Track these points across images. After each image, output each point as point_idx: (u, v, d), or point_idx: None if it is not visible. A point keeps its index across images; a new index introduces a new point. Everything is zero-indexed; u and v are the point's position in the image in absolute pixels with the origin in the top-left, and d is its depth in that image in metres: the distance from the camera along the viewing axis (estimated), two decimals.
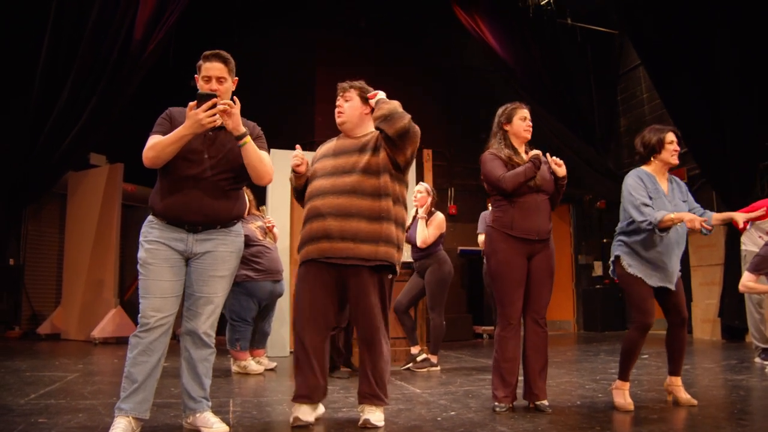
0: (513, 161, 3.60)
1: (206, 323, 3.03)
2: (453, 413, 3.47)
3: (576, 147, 9.37)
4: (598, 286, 10.95)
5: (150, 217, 3.04)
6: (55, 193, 9.10)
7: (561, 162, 3.68)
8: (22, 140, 7.78)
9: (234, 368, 5.37)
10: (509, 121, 3.71)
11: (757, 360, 5.70)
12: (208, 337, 3.03)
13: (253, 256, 5.30)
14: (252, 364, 5.33)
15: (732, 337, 8.05)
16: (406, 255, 6.11)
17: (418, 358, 5.54)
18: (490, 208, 3.87)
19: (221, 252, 3.06)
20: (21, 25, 7.79)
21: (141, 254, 2.97)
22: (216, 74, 3.01)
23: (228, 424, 3.06)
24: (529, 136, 3.71)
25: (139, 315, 2.92)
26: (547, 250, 3.62)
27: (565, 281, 10.78)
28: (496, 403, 3.49)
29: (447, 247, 5.96)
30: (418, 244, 5.57)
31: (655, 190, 3.64)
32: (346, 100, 3.35)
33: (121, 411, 2.84)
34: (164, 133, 2.95)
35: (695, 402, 3.60)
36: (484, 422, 3.21)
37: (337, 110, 3.37)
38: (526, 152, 3.70)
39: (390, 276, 3.24)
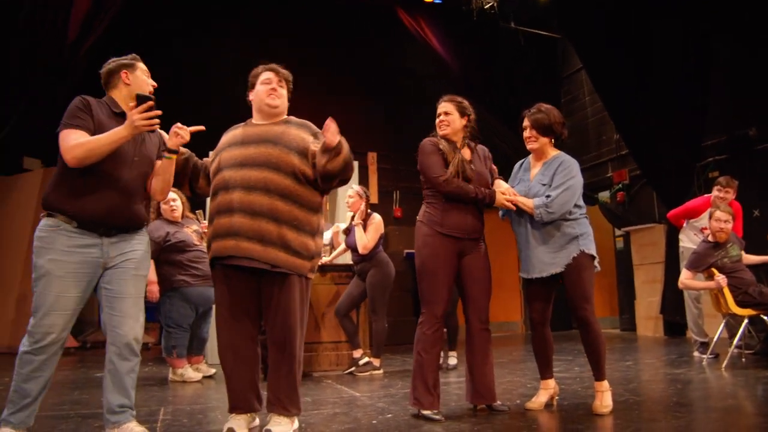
0: (447, 159, 3.47)
1: (135, 327, 2.86)
2: (390, 416, 3.39)
3: (520, 150, 9.33)
4: None
5: (52, 221, 2.79)
6: None
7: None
8: None
9: (171, 377, 5.19)
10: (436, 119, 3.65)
11: (696, 354, 5.80)
12: (137, 343, 2.87)
13: (190, 261, 5.14)
14: (189, 372, 5.16)
15: (673, 333, 8.21)
16: (347, 257, 6.02)
17: (361, 362, 5.44)
18: None
19: (139, 251, 2.95)
20: None
21: (43, 264, 2.75)
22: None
23: None
24: (442, 131, 3.56)
25: (31, 329, 2.72)
26: (479, 249, 3.54)
27: (511, 282, 10.81)
28: (428, 412, 3.27)
29: (392, 250, 5.89)
30: (360, 251, 5.47)
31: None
32: (282, 87, 3.14)
33: (8, 423, 2.71)
34: (87, 129, 2.80)
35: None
36: (419, 424, 3.14)
37: (275, 92, 3.09)
38: (469, 146, 3.62)
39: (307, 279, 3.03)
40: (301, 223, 2.94)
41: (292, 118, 3.18)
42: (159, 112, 2.76)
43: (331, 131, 2.80)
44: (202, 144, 3.28)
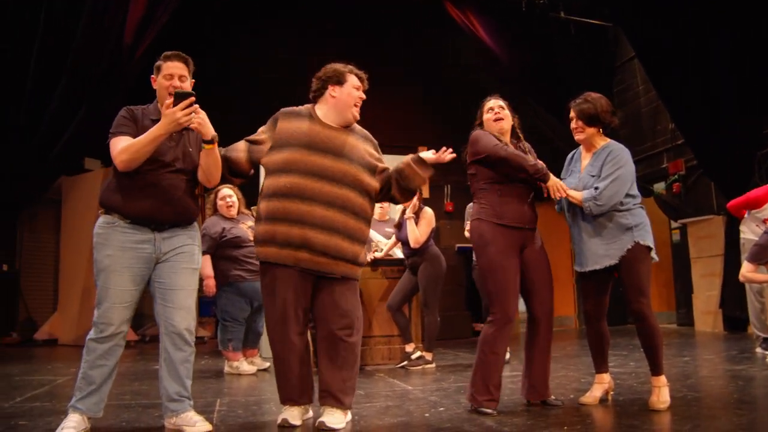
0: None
1: (187, 318, 2.98)
2: (442, 409, 3.41)
3: (571, 141, 9.16)
4: None
5: (108, 218, 2.95)
6: (51, 198, 9.06)
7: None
8: (14, 146, 7.72)
9: (227, 369, 5.32)
10: (481, 118, 3.63)
11: (758, 350, 5.61)
12: (189, 334, 2.98)
13: (245, 256, 5.24)
14: (244, 365, 5.27)
15: (734, 328, 7.95)
16: (398, 251, 6.04)
17: (413, 356, 5.46)
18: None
19: (190, 246, 3.05)
20: (10, 31, 7.73)
21: (102, 259, 2.92)
22: (179, 73, 3.02)
23: (211, 423, 3.02)
24: (498, 125, 3.54)
25: (96, 320, 2.89)
26: (536, 240, 3.52)
27: (565, 276, 10.65)
28: (485, 409, 3.24)
29: (444, 245, 5.87)
30: (412, 245, 5.48)
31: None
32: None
33: (76, 410, 2.85)
34: (131, 135, 2.92)
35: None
36: (472, 418, 3.15)
37: (361, 102, 3.20)
38: (513, 144, 3.60)
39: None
40: (364, 237, 3.12)
41: (356, 126, 3.24)
42: (196, 107, 2.83)
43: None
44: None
